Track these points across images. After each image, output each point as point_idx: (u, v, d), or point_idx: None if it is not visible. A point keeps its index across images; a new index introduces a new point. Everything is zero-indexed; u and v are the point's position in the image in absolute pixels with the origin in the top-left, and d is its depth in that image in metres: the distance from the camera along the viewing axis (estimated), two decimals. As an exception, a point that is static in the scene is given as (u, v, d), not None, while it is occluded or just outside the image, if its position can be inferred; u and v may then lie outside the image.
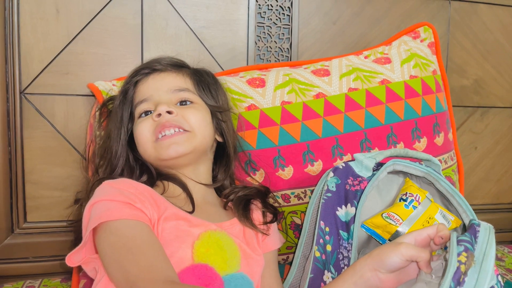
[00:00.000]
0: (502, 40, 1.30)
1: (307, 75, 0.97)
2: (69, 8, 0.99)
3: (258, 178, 0.90)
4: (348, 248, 0.74)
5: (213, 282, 0.64)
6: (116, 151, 0.78)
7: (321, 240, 0.76)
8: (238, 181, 0.89)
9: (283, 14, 1.13)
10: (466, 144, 1.30)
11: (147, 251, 0.61)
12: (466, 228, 0.74)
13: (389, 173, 0.81)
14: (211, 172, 0.84)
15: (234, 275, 0.68)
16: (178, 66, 0.84)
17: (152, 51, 1.05)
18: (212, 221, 0.73)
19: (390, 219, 0.73)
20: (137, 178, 0.77)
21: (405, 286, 0.63)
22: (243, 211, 0.78)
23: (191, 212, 0.72)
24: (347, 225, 0.75)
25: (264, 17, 1.12)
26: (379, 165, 0.81)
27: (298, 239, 0.85)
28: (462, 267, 0.53)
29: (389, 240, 0.74)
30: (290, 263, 0.88)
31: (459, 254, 0.54)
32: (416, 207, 0.74)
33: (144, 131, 0.75)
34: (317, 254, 0.76)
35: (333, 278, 0.73)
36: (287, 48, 1.14)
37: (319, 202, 0.78)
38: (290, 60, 1.14)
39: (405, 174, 0.82)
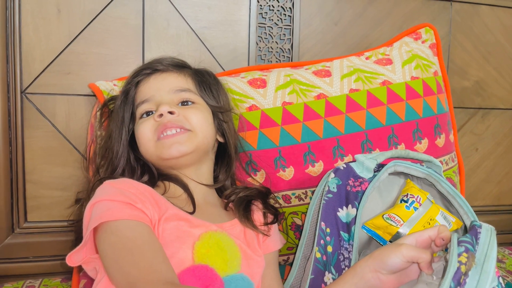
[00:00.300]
0: (504, 41, 1.30)
1: (308, 75, 0.97)
2: (71, 8, 0.99)
3: (259, 178, 0.90)
4: (349, 249, 0.74)
5: (213, 283, 0.64)
6: (117, 151, 0.78)
7: (322, 241, 0.76)
8: (239, 182, 0.89)
9: (285, 14, 1.13)
10: (467, 146, 1.30)
11: (147, 252, 0.61)
12: (468, 230, 0.74)
13: (390, 174, 0.81)
14: (212, 173, 0.84)
15: (235, 276, 0.68)
16: (179, 66, 0.84)
17: (153, 51, 1.05)
18: (212, 221, 0.73)
19: (391, 220, 0.73)
20: (138, 178, 0.77)
21: (406, 287, 0.63)
22: (244, 212, 0.78)
23: (191, 213, 0.72)
24: (348, 226, 0.75)
25: (265, 18, 1.12)
26: (380, 166, 0.81)
27: (299, 240, 0.85)
28: (463, 268, 0.53)
29: (390, 241, 0.74)
30: (291, 264, 0.88)
31: (459, 255, 0.54)
32: (417, 208, 0.74)
33: (145, 131, 0.75)
34: (318, 255, 0.75)
35: (333, 279, 0.73)
36: (288, 49, 1.14)
37: (320, 203, 0.78)
38: (291, 60, 1.14)
39: (406, 175, 0.82)
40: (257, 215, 0.80)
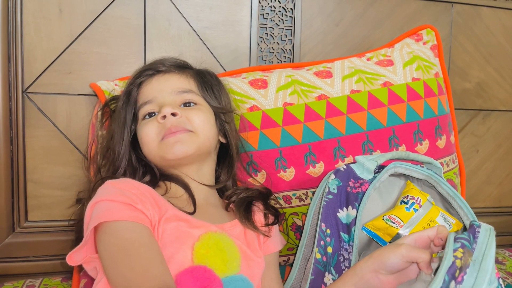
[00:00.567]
0: (505, 43, 1.30)
1: (310, 76, 0.97)
2: (72, 8, 0.99)
3: (259, 179, 0.90)
4: (349, 250, 0.74)
5: (211, 283, 0.64)
6: (119, 152, 0.78)
7: (322, 242, 0.76)
8: (240, 182, 0.89)
9: (286, 15, 1.13)
10: (467, 147, 1.30)
11: (143, 254, 0.61)
12: (467, 229, 0.74)
13: (390, 175, 0.81)
14: (214, 173, 0.84)
15: (234, 277, 0.68)
16: (181, 67, 0.84)
17: (155, 51, 1.05)
18: (213, 222, 0.73)
19: (391, 221, 0.73)
20: (140, 178, 0.77)
21: (405, 285, 0.63)
22: (244, 213, 0.78)
23: (192, 213, 0.72)
24: (348, 227, 0.75)
25: (266, 19, 1.12)
26: (380, 168, 0.81)
27: (299, 241, 0.85)
28: (458, 262, 0.54)
29: (390, 242, 0.74)
30: (291, 265, 0.88)
31: (455, 250, 0.55)
32: (417, 210, 0.74)
33: (149, 132, 0.75)
34: (318, 256, 0.75)
35: (333, 280, 0.73)
36: (290, 50, 1.14)
37: (320, 204, 0.78)
38: (293, 61, 1.14)
39: (407, 177, 0.82)
40: (258, 216, 0.80)
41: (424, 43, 1.10)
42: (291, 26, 1.13)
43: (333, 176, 0.79)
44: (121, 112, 0.80)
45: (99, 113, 0.89)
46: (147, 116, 0.78)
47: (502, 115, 1.32)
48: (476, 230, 0.60)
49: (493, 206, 1.35)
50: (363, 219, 0.76)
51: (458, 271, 0.53)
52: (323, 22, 1.15)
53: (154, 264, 0.61)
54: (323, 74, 0.99)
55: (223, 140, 0.84)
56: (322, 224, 0.76)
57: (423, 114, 0.98)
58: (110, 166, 0.79)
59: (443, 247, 0.62)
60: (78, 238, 0.68)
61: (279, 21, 1.13)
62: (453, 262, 0.54)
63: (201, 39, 1.08)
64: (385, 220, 0.73)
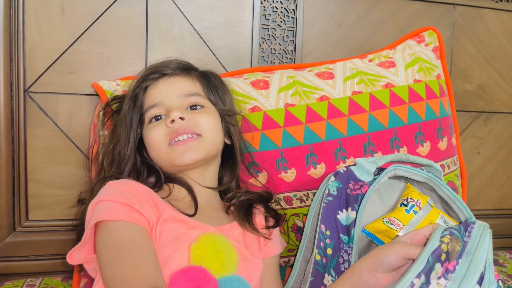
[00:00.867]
0: (507, 45, 1.29)
1: (311, 77, 0.97)
2: (75, 8, 0.99)
3: (261, 179, 0.90)
4: (348, 252, 0.74)
5: (206, 283, 0.64)
6: (125, 155, 0.78)
7: (321, 244, 0.76)
8: (241, 183, 0.89)
9: (288, 16, 1.13)
10: (469, 149, 1.30)
11: (136, 255, 0.62)
12: None
13: (390, 178, 0.81)
14: (217, 175, 0.84)
15: (230, 277, 0.69)
16: (186, 69, 0.84)
17: (157, 52, 1.05)
18: (212, 224, 0.73)
19: (391, 224, 0.73)
20: (144, 180, 0.78)
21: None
22: (244, 215, 0.78)
23: (192, 215, 0.72)
24: (347, 229, 0.75)
25: (268, 19, 1.12)
26: (380, 170, 0.81)
27: (299, 242, 0.85)
28: (444, 246, 0.54)
29: (390, 244, 0.73)
30: (291, 266, 0.88)
31: (442, 236, 0.56)
32: (417, 212, 0.74)
33: (157, 136, 0.76)
34: (318, 257, 0.75)
35: (333, 281, 0.73)
36: (291, 51, 1.14)
37: (320, 206, 0.78)
38: (294, 62, 1.14)
39: (407, 179, 0.82)
40: (259, 218, 0.81)
41: (426, 45, 1.10)
42: (293, 27, 1.13)
43: (333, 178, 0.79)
44: (127, 116, 0.80)
45: (101, 113, 0.89)
46: (153, 120, 0.78)
47: (503, 117, 1.32)
48: (470, 225, 0.60)
49: (494, 208, 1.35)
50: (363, 221, 0.76)
51: (444, 255, 0.54)
52: (325, 23, 1.15)
53: (145, 265, 0.62)
54: (324, 75, 0.99)
55: (228, 141, 0.84)
56: (322, 225, 0.76)
57: (425, 116, 0.98)
58: (114, 169, 0.79)
59: None
60: (79, 238, 0.68)
61: (281, 22, 1.13)
62: (439, 246, 0.54)
63: (202, 39, 1.08)
64: (385, 222, 0.73)
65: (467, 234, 0.59)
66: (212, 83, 0.85)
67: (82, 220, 0.71)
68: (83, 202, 0.85)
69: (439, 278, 0.54)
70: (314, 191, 0.90)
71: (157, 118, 0.78)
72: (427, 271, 0.53)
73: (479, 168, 1.32)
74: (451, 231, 0.58)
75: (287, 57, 1.14)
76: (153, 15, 1.04)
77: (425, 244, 0.59)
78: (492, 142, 1.32)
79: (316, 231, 0.78)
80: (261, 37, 1.12)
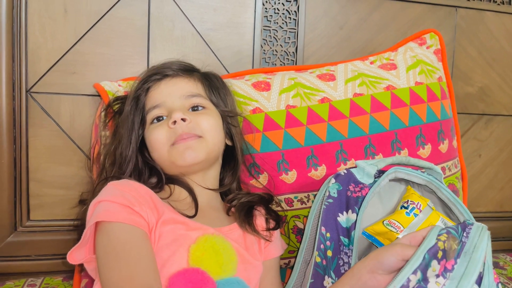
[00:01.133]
0: (508, 48, 1.29)
1: (313, 79, 0.98)
2: (77, 8, 0.99)
3: (262, 181, 0.90)
4: (348, 254, 0.74)
5: (204, 285, 0.65)
6: (127, 156, 0.78)
7: (321, 246, 0.76)
8: (242, 184, 0.89)
9: (290, 18, 1.13)
10: (470, 152, 1.30)
11: (132, 259, 0.62)
12: None
13: (391, 180, 0.81)
14: (218, 176, 0.84)
15: (229, 279, 0.69)
16: (188, 70, 0.84)
17: (158, 52, 1.05)
18: (213, 225, 0.73)
19: (391, 226, 0.73)
20: (145, 181, 0.78)
21: None
22: (244, 217, 0.78)
23: (193, 216, 0.73)
24: (348, 231, 0.75)
25: (270, 21, 1.12)
26: (380, 173, 0.81)
27: (300, 244, 0.85)
28: (440, 244, 0.55)
29: (390, 246, 0.74)
30: (292, 267, 0.88)
31: (439, 234, 0.57)
32: (417, 214, 0.74)
33: (159, 138, 0.76)
34: (318, 259, 0.76)
35: (333, 283, 0.73)
36: (293, 52, 1.14)
37: (321, 208, 0.78)
38: (296, 64, 1.14)
39: (407, 182, 0.82)
40: (260, 220, 0.81)
41: (427, 47, 1.10)
42: (295, 29, 1.14)
43: (333, 180, 0.79)
44: (129, 117, 0.80)
45: (103, 113, 0.90)
46: (155, 120, 0.78)
47: (504, 120, 1.32)
48: (468, 226, 0.61)
49: (495, 211, 1.35)
50: (363, 223, 0.76)
51: (440, 253, 0.55)
52: (327, 25, 1.15)
53: (141, 269, 0.62)
54: (326, 77, 0.99)
55: (229, 143, 0.84)
56: (322, 227, 0.76)
57: (426, 118, 0.98)
58: (116, 170, 0.79)
59: None
60: (80, 238, 0.69)
61: (283, 23, 1.13)
62: (435, 243, 0.55)
63: (204, 40, 1.08)
64: (385, 225, 0.73)
65: (464, 234, 0.59)
66: (213, 84, 0.85)
67: (84, 220, 0.71)
68: (84, 202, 0.85)
69: (437, 276, 0.55)
70: (315, 192, 0.90)
71: (158, 119, 0.78)
72: (423, 268, 0.54)
73: (480, 170, 1.32)
74: (448, 230, 0.58)
75: (288, 59, 1.14)
76: (155, 16, 1.04)
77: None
78: (493, 145, 1.32)
79: (316, 233, 0.78)
80: (263, 39, 1.12)
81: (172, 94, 0.79)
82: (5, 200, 0.99)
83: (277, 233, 0.83)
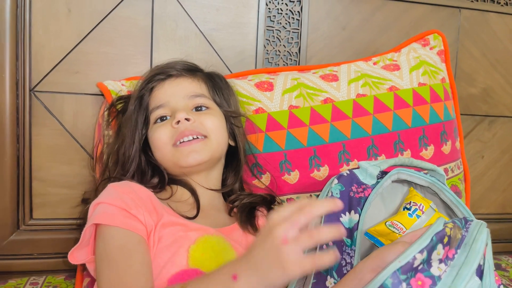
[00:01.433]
0: (512, 49, 1.29)
1: (316, 80, 0.98)
2: (81, 8, 1.00)
3: (264, 181, 0.90)
4: (351, 254, 0.74)
5: None
6: (130, 155, 0.79)
7: (324, 246, 0.76)
8: (244, 184, 0.89)
9: (293, 18, 1.13)
10: (473, 153, 1.29)
11: (123, 263, 0.62)
12: None
13: (393, 181, 0.81)
14: (221, 177, 0.84)
15: None
16: (192, 70, 0.84)
17: (161, 52, 1.05)
18: (214, 226, 0.74)
19: (394, 227, 0.73)
20: (148, 181, 0.78)
21: None
22: (246, 218, 0.78)
23: (193, 217, 0.73)
24: (350, 232, 0.75)
25: (273, 21, 1.12)
26: (383, 174, 0.81)
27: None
28: (447, 230, 0.57)
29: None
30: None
31: (446, 223, 0.59)
32: (420, 216, 0.74)
33: (162, 137, 0.76)
34: None
35: (335, 284, 0.73)
36: (296, 52, 1.14)
37: None
38: (299, 64, 1.14)
39: (410, 183, 0.82)
40: (262, 221, 0.81)
41: (431, 48, 1.10)
42: (298, 29, 1.14)
43: (336, 181, 0.79)
44: (132, 116, 0.80)
45: (106, 113, 0.90)
46: (158, 120, 0.79)
47: (508, 122, 1.32)
48: (468, 222, 0.63)
49: (497, 213, 1.34)
50: (366, 224, 0.76)
51: (446, 238, 0.57)
52: (330, 26, 1.15)
53: (130, 275, 0.62)
54: (329, 77, 0.99)
55: (232, 143, 0.84)
56: None
57: (429, 119, 0.98)
58: (119, 169, 0.79)
59: None
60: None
61: (286, 23, 1.13)
62: (443, 229, 0.57)
63: (207, 40, 1.08)
64: (387, 226, 0.73)
65: (465, 229, 0.61)
66: (217, 84, 0.85)
67: (86, 219, 0.72)
68: (87, 201, 0.86)
69: (440, 261, 0.56)
70: (317, 193, 0.90)
71: (162, 118, 0.78)
72: (430, 249, 0.55)
73: (482, 172, 1.31)
74: (453, 220, 0.61)
75: (291, 59, 1.14)
76: (159, 16, 1.04)
77: None
78: (496, 146, 1.32)
79: (318, 233, 0.78)
80: (266, 39, 1.12)
81: (176, 94, 0.79)
82: (8, 198, 0.99)
83: None
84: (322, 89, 0.96)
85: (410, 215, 0.74)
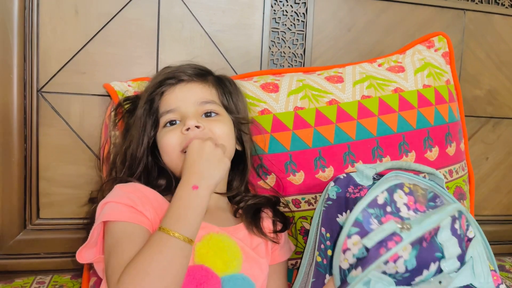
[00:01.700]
0: (517, 51, 1.29)
1: (321, 81, 0.98)
2: (88, 9, 1.00)
3: (269, 182, 0.90)
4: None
5: (208, 281, 0.66)
6: (137, 157, 0.79)
7: (322, 246, 0.76)
8: (250, 185, 0.89)
9: (298, 20, 1.14)
10: (477, 155, 1.29)
11: (129, 247, 0.63)
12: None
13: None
14: (226, 180, 0.85)
15: (234, 275, 0.70)
16: (203, 75, 0.84)
17: (167, 53, 1.06)
18: (219, 225, 0.75)
19: None
20: (154, 183, 0.79)
21: None
22: (251, 219, 0.79)
23: None
24: None
25: (278, 23, 1.13)
26: (380, 176, 0.82)
27: (304, 247, 0.85)
28: (406, 183, 0.71)
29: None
30: (298, 268, 0.88)
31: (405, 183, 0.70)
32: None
33: (171, 142, 0.76)
34: (319, 259, 0.76)
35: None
36: (301, 54, 1.15)
37: (320, 211, 0.79)
38: (303, 65, 1.15)
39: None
40: (267, 222, 0.81)
41: (435, 50, 1.10)
42: (303, 31, 1.14)
43: (332, 184, 0.80)
44: (141, 118, 0.80)
45: (112, 113, 0.90)
46: (168, 124, 0.79)
47: (512, 123, 1.32)
48: (440, 198, 0.73)
49: (502, 214, 1.34)
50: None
51: (407, 189, 0.70)
52: (335, 27, 1.16)
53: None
54: (334, 79, 0.99)
55: (239, 148, 0.85)
56: (322, 228, 0.77)
57: (434, 121, 0.98)
58: (126, 170, 0.80)
59: None
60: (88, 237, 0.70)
61: (291, 25, 1.14)
62: (402, 182, 0.70)
63: (213, 41, 1.09)
64: None
65: (438, 201, 0.70)
66: (227, 89, 0.85)
67: (92, 219, 0.73)
68: (94, 201, 0.86)
69: (408, 209, 0.66)
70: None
71: (171, 122, 0.79)
72: (390, 191, 0.67)
73: (487, 173, 1.31)
74: (416, 183, 0.72)
75: (296, 61, 1.15)
76: (165, 17, 1.05)
77: None
78: (500, 148, 1.32)
79: (317, 234, 0.79)
80: (271, 40, 1.13)
81: (186, 100, 0.79)
82: (15, 198, 1.00)
83: (284, 236, 0.84)
84: (327, 90, 0.96)
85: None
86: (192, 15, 1.07)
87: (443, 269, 0.63)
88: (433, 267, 0.63)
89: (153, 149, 0.81)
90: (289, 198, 0.91)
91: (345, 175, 0.80)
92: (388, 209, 0.66)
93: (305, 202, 0.91)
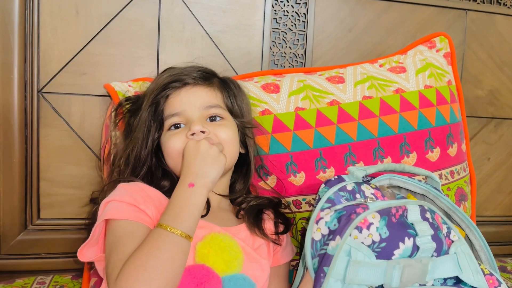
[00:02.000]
0: (518, 51, 1.29)
1: (322, 82, 0.98)
2: (88, 10, 1.00)
3: (270, 183, 0.90)
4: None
5: (209, 280, 0.67)
6: (141, 159, 0.79)
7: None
8: (250, 186, 0.89)
9: (299, 20, 1.13)
10: (479, 155, 1.29)
11: (130, 243, 0.64)
12: (469, 240, 0.81)
13: (389, 187, 0.82)
14: (229, 182, 0.85)
15: (235, 275, 0.70)
16: (208, 78, 0.84)
17: (168, 54, 1.06)
18: (220, 225, 0.75)
19: None
20: (158, 183, 0.79)
21: None
22: (253, 221, 0.79)
23: (203, 216, 0.73)
24: None
25: (279, 23, 1.13)
26: (372, 178, 0.82)
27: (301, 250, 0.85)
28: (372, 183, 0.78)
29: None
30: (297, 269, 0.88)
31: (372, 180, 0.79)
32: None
33: (176, 146, 0.76)
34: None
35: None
36: (302, 54, 1.15)
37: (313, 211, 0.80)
38: (304, 66, 1.14)
39: (407, 190, 0.83)
40: (268, 224, 0.81)
41: (437, 51, 1.10)
42: (304, 31, 1.14)
43: (323, 185, 0.80)
44: (146, 121, 0.80)
45: (113, 114, 0.90)
46: (172, 127, 0.79)
47: (514, 124, 1.31)
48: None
49: (503, 215, 1.34)
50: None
51: (374, 185, 0.76)
52: (336, 28, 1.16)
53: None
54: (335, 79, 0.99)
55: (242, 151, 0.85)
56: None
57: (435, 122, 0.98)
58: (129, 172, 0.80)
59: None
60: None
61: (292, 25, 1.13)
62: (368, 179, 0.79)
63: (214, 42, 1.09)
64: None
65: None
66: (232, 92, 0.85)
67: (94, 219, 0.73)
68: (95, 201, 0.86)
69: (376, 199, 0.72)
70: (323, 195, 0.90)
71: (176, 126, 0.79)
72: (356, 183, 0.74)
73: (488, 174, 1.31)
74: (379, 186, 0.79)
75: (297, 61, 1.15)
76: (166, 18, 1.05)
77: None
78: (502, 148, 1.31)
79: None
80: (272, 41, 1.13)
81: (192, 104, 0.79)
82: (16, 198, 1.00)
83: (286, 238, 0.84)
84: (328, 91, 0.96)
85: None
86: (193, 15, 1.07)
87: (419, 246, 0.64)
88: (408, 242, 0.64)
89: (157, 151, 0.81)
90: (290, 199, 0.91)
91: (336, 177, 0.81)
92: (357, 196, 0.73)
93: (305, 203, 0.91)
